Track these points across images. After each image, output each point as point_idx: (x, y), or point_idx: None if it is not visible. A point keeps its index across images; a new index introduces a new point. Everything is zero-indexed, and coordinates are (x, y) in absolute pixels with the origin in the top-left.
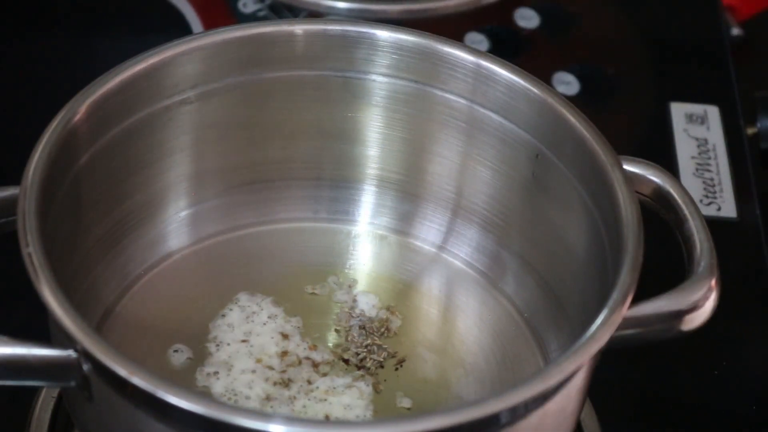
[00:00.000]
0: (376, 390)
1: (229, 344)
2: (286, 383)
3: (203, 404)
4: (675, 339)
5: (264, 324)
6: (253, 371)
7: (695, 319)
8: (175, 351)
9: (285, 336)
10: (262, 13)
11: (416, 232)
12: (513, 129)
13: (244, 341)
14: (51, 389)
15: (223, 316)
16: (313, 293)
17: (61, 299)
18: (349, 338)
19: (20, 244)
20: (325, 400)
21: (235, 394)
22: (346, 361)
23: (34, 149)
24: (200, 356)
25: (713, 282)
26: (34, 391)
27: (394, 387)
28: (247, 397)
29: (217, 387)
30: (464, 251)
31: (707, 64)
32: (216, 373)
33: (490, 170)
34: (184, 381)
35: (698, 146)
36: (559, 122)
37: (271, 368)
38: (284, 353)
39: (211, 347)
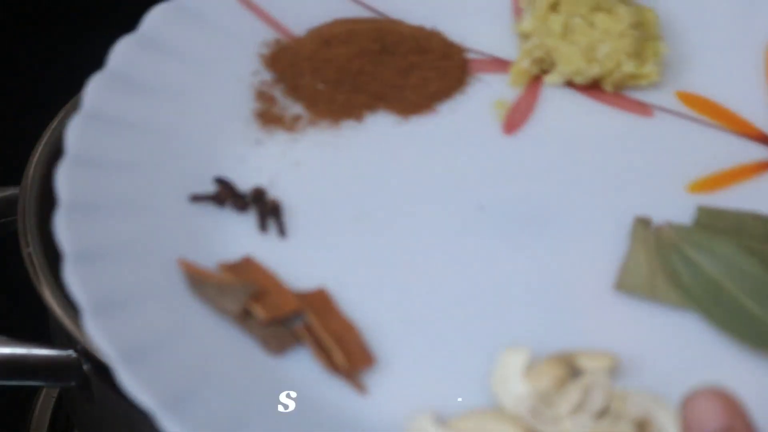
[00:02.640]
0: None
1: None
2: None
3: None
4: None
5: None
6: None
7: None
8: None
9: None
10: None
11: None
12: None
13: None
14: (51, 389)
15: None
16: None
17: (61, 299)
18: None
19: (20, 244)
20: None
21: None
22: None
23: (34, 149)
24: None
25: None
26: (34, 391)
27: None
28: None
29: None
30: None
31: None
32: None
33: None
34: None
35: None
36: None
37: None
38: None
39: None
